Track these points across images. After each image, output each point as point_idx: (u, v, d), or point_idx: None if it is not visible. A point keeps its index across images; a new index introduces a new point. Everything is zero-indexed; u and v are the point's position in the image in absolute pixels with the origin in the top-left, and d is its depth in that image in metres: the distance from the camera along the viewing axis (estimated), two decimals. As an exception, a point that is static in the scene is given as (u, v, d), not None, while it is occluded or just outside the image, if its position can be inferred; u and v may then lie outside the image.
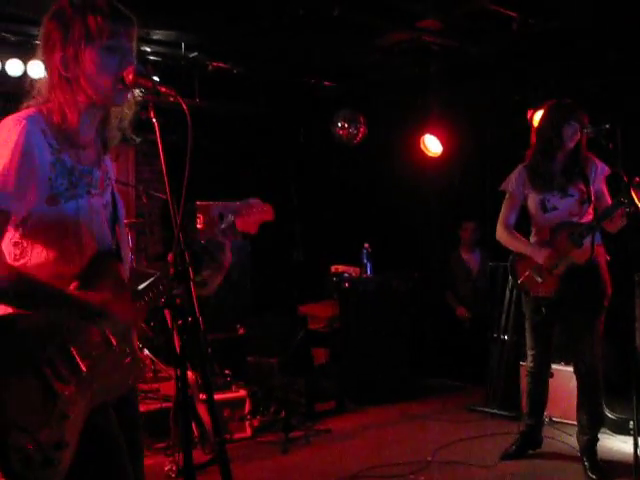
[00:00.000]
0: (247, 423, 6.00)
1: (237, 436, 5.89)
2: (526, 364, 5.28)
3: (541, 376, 5.20)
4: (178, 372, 1.99)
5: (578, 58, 6.67)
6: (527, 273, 5.01)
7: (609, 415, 5.72)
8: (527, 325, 5.18)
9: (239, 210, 2.59)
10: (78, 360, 2.20)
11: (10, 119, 2.20)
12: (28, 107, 2.29)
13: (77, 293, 2.25)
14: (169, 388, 6.22)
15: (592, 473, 4.85)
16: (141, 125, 2.48)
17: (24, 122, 2.18)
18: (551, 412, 6.08)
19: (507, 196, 5.16)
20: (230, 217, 2.56)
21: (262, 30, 6.69)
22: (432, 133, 8.09)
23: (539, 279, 4.94)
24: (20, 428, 2.06)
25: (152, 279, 2.42)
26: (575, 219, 4.87)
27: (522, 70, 7.21)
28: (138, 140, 2.48)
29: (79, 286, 2.26)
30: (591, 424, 4.99)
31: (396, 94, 8.38)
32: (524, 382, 5.47)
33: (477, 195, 7.71)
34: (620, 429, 5.65)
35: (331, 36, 6.95)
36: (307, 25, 6.53)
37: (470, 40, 7.11)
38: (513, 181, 5.11)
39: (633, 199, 4.40)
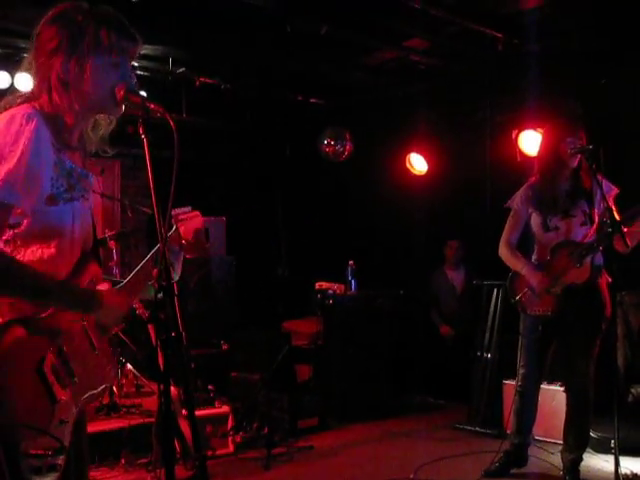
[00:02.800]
0: (230, 439, 5.97)
1: (219, 452, 5.85)
2: (516, 382, 5.23)
3: (531, 395, 5.18)
4: (161, 387, 1.99)
5: (562, 78, 6.73)
6: (525, 291, 5.01)
7: (591, 434, 5.72)
8: (521, 343, 5.14)
9: (178, 219, 2.62)
10: (72, 367, 2.24)
11: (19, 114, 2.17)
12: (14, 104, 2.26)
13: (76, 284, 2.29)
14: (151, 403, 6.20)
15: None
16: (127, 139, 2.49)
17: (35, 119, 2.17)
18: (534, 431, 6.09)
19: (512, 213, 5.16)
20: (173, 226, 2.59)
21: (249, 46, 6.72)
22: (417, 152, 8.14)
23: (536, 298, 4.95)
24: (31, 427, 2.08)
25: (133, 273, 2.47)
26: (576, 240, 4.86)
27: (507, 90, 7.26)
28: (111, 153, 2.48)
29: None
30: (577, 444, 5.00)
31: (382, 112, 8.44)
32: (512, 400, 5.42)
33: (461, 213, 7.75)
34: (602, 448, 5.66)
35: (318, 54, 6.99)
36: (294, 42, 6.57)
37: (456, 60, 7.17)
38: (518, 199, 5.12)
39: (615, 220, 4.42)
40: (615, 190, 4.81)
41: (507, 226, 5.17)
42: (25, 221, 2.19)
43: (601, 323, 4.86)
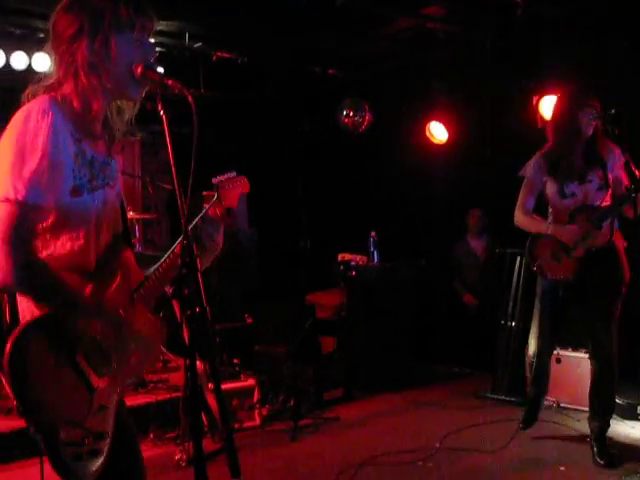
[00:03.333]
0: (256, 412, 6.02)
1: (246, 425, 5.91)
2: (531, 347, 5.26)
3: (546, 361, 5.23)
4: (187, 362, 2.01)
5: (583, 44, 6.64)
6: (545, 255, 5.00)
7: (617, 400, 5.72)
8: (538, 308, 5.16)
9: (222, 185, 2.58)
10: (108, 354, 2.24)
11: (35, 110, 2.13)
12: (38, 94, 2.24)
13: (103, 306, 2.26)
14: (178, 378, 6.26)
15: (600, 459, 4.86)
16: (146, 116, 2.48)
17: (51, 113, 2.13)
18: (558, 397, 6.11)
19: (525, 182, 5.13)
20: (215, 195, 2.56)
21: (266, 20, 6.69)
22: (437, 120, 8.09)
23: (557, 261, 4.94)
24: (68, 421, 2.10)
25: (158, 263, 2.44)
26: (594, 204, 4.86)
27: (527, 56, 7.18)
28: (140, 135, 2.47)
29: (94, 287, 2.26)
30: (604, 410, 5.00)
31: (401, 82, 8.37)
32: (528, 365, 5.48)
33: (483, 182, 7.70)
34: (628, 414, 5.66)
35: (335, 25, 6.94)
36: (311, 14, 6.53)
37: (474, 26, 7.09)
38: (531, 168, 5.09)
39: (637, 182, 4.39)
40: (624, 158, 4.76)
41: (522, 194, 5.13)
42: (52, 215, 2.17)
43: (621, 286, 4.87)
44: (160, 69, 6.74)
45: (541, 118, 6.80)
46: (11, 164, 2.07)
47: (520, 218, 5.11)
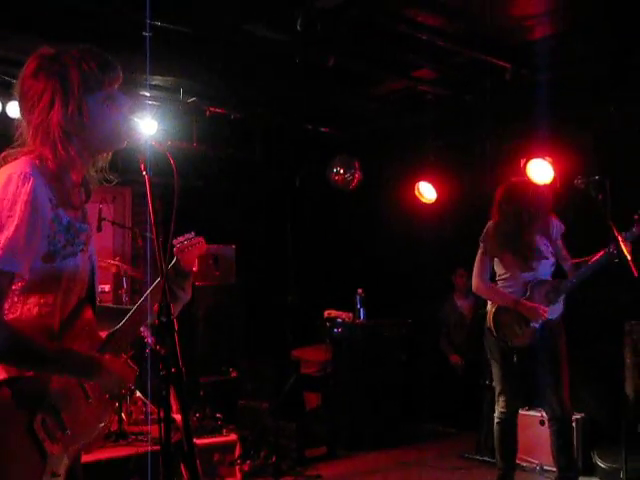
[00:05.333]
0: (237, 467, 5.96)
1: (227, 481, 5.85)
2: (496, 411, 5.34)
3: (514, 421, 5.33)
4: (161, 414, 2.01)
5: (571, 109, 6.76)
6: (507, 324, 5.18)
7: (600, 464, 5.70)
8: (498, 372, 5.31)
9: (180, 248, 2.61)
10: (63, 419, 2.22)
11: (15, 174, 2.13)
12: (17, 154, 2.25)
13: (78, 353, 2.26)
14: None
15: None
16: (137, 167, 2.48)
17: (32, 179, 2.13)
18: (542, 460, 6.08)
19: (482, 250, 5.34)
20: (174, 257, 2.58)
21: (259, 78, 6.80)
22: (426, 180, 8.16)
23: (519, 331, 5.13)
24: None
25: (124, 319, 2.45)
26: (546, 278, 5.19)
27: (515, 119, 7.30)
28: (115, 181, 2.48)
29: (60, 343, 2.25)
30: (568, 466, 5.12)
31: (391, 141, 8.48)
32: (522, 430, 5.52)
33: (470, 241, 7.74)
34: (611, 478, 5.62)
35: (327, 84, 7.05)
36: (303, 73, 6.64)
37: (464, 90, 7.22)
38: (489, 240, 5.31)
39: (622, 250, 4.47)
40: (563, 228, 5.23)
41: (479, 262, 5.34)
42: (22, 280, 2.16)
43: (563, 351, 5.15)
44: (153, 122, 6.84)
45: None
46: None
47: (482, 287, 5.31)
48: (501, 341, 5.20)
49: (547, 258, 5.18)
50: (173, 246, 2.54)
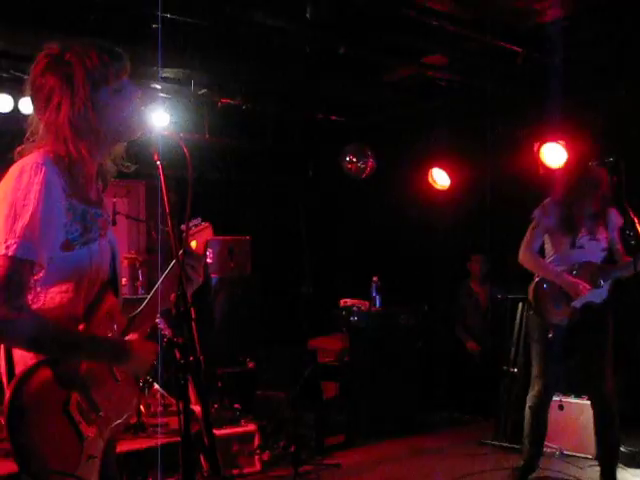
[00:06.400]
0: (256, 457, 5.97)
1: (246, 470, 5.86)
2: (530, 394, 5.28)
3: (547, 407, 5.27)
4: (181, 406, 2.02)
5: (583, 92, 6.72)
6: (547, 299, 5.12)
7: (621, 449, 5.68)
8: (537, 353, 5.20)
9: (190, 233, 2.62)
10: (96, 401, 2.24)
11: (28, 165, 2.15)
12: (32, 149, 2.27)
13: (104, 338, 2.29)
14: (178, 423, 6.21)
15: None
16: (151, 160, 2.49)
17: (44, 169, 2.15)
18: (562, 445, 6.07)
19: (534, 224, 5.21)
20: (185, 241, 2.60)
21: (270, 67, 6.79)
22: (440, 166, 8.15)
23: (557, 307, 5.07)
24: (59, 472, 2.09)
25: (142, 304, 2.48)
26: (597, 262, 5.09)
27: (528, 103, 7.26)
28: (133, 168, 2.49)
29: (85, 327, 2.27)
30: (607, 456, 5.07)
31: (404, 128, 8.46)
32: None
33: (485, 228, 7.73)
34: (631, 462, 5.61)
35: (338, 72, 7.04)
36: (314, 62, 6.62)
37: (476, 75, 7.18)
38: (543, 212, 5.19)
39: (638, 232, 4.45)
40: (621, 221, 5.04)
41: (529, 235, 5.22)
42: (43, 269, 2.17)
43: (609, 338, 5.05)
44: (165, 114, 6.86)
45: (542, 165, 6.85)
46: (4, 219, 2.09)
47: (527, 257, 5.19)
48: (540, 317, 5.14)
49: (599, 241, 5.09)
50: (182, 232, 2.55)
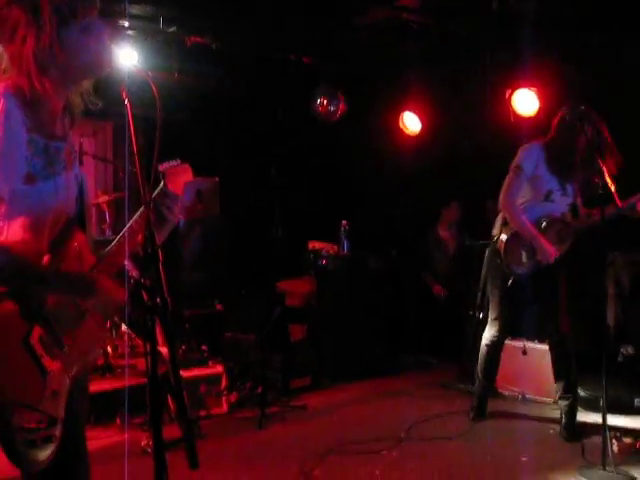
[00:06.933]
0: (224, 399, 6.03)
1: (214, 412, 5.92)
2: (488, 334, 5.64)
3: (501, 347, 5.69)
4: (148, 347, 2.01)
5: (556, 39, 6.68)
6: (516, 250, 5.30)
7: (581, 393, 5.80)
8: (497, 298, 5.53)
9: (167, 173, 2.59)
10: (61, 336, 2.23)
11: None
12: None
13: (69, 273, 2.27)
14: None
15: (565, 430, 5.25)
16: (119, 100, 2.45)
17: (3, 100, 2.14)
18: (524, 389, 6.20)
19: (519, 172, 5.23)
20: (161, 181, 2.57)
21: (242, 6, 6.65)
22: (411, 111, 8.11)
23: (524, 260, 5.28)
24: (21, 405, 2.09)
25: (112, 244, 2.45)
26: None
27: (501, 49, 7.21)
28: (100, 104, 2.45)
29: (51, 259, 2.25)
30: (569, 388, 5.32)
31: (375, 72, 8.37)
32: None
33: (455, 174, 7.74)
34: (591, 406, 5.73)
35: (310, 13, 6.92)
36: (286, 1, 6.51)
37: (449, 19, 7.10)
38: (528, 157, 5.23)
39: (607, 182, 4.49)
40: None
41: (512, 184, 5.26)
42: (5, 203, 2.16)
43: (562, 285, 5.34)
44: (132, 52, 6.71)
45: (514, 112, 6.84)
46: None
47: (509, 207, 5.29)
48: (505, 267, 5.34)
49: (568, 196, 5.26)
50: (158, 171, 2.52)
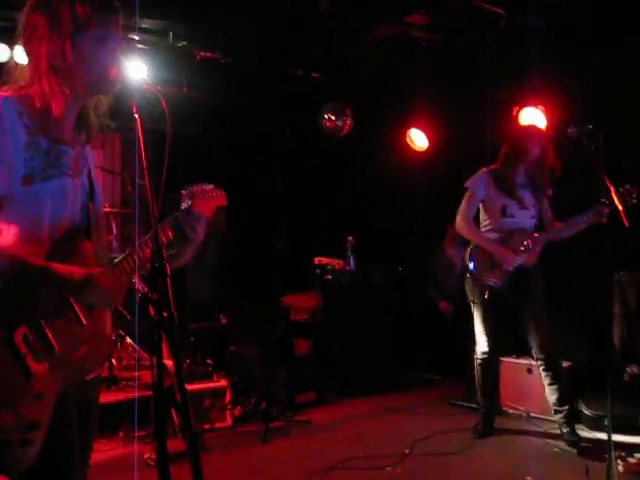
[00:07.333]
0: (228, 413, 6.02)
1: (218, 425, 5.91)
2: (478, 351, 5.67)
3: (494, 364, 5.74)
4: (154, 361, 2.01)
5: (565, 56, 6.69)
6: (484, 263, 5.46)
7: (585, 412, 5.78)
8: (478, 313, 5.59)
9: (197, 194, 2.60)
10: (51, 338, 2.20)
11: None
12: (6, 89, 2.29)
13: (63, 267, 2.23)
14: (150, 376, 6.23)
15: (570, 437, 5.33)
16: (127, 112, 2.46)
17: (0, 101, 2.20)
18: (528, 407, 6.16)
19: (469, 194, 5.62)
20: (187, 200, 2.57)
21: (251, 21, 6.69)
22: (418, 127, 8.11)
23: (492, 269, 5.42)
24: (1, 403, 2.07)
25: (125, 253, 2.42)
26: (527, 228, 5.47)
27: (509, 66, 7.22)
28: (113, 126, 2.48)
29: (49, 259, 2.24)
30: (562, 403, 5.41)
31: (383, 88, 8.40)
32: (507, 377, 5.99)
33: (462, 190, 7.73)
34: (596, 426, 5.71)
35: (319, 29, 6.96)
36: (295, 18, 6.54)
37: (457, 36, 7.13)
38: (476, 182, 5.59)
39: (614, 201, 4.49)
40: (550, 191, 5.51)
41: (466, 204, 5.64)
42: (3, 204, 2.18)
43: (541, 296, 5.47)
44: (142, 66, 6.74)
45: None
46: None
47: (464, 227, 5.60)
48: (476, 280, 5.48)
49: (527, 209, 5.44)
50: (186, 188, 2.55)
